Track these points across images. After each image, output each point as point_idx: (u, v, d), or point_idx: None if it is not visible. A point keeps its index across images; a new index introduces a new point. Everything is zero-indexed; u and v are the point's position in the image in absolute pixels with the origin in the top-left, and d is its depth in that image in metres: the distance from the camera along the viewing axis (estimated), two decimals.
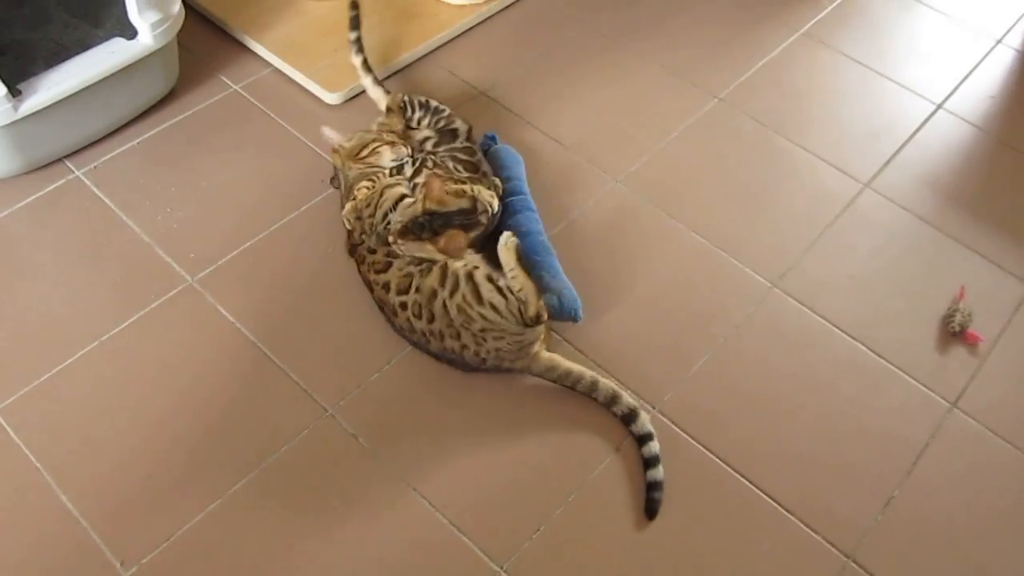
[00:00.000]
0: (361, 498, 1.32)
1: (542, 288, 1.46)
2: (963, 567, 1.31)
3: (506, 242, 1.45)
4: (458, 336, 1.40)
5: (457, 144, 1.65)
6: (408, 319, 1.43)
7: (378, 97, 1.80)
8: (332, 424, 1.40)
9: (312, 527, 1.29)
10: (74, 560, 1.24)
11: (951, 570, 1.31)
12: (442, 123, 1.69)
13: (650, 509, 1.33)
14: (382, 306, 1.48)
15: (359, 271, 1.53)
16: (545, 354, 1.43)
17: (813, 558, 1.31)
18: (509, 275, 1.43)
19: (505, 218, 1.59)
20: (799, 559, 1.31)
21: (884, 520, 1.35)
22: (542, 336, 1.44)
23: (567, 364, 1.43)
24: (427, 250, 1.44)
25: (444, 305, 1.40)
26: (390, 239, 1.46)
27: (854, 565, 1.30)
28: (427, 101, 1.71)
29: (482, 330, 1.39)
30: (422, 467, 1.36)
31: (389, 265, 1.46)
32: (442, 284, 1.40)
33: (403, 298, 1.43)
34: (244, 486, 1.32)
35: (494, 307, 1.39)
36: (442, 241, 1.43)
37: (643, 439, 1.38)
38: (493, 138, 1.75)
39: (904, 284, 1.65)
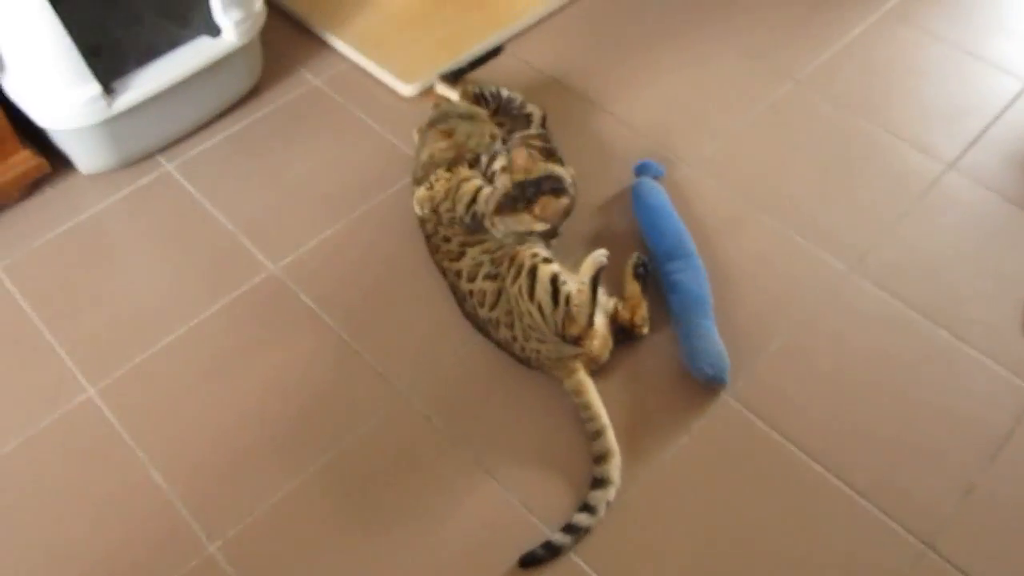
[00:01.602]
0: (435, 478, 1.36)
1: (694, 351, 1.43)
2: None
3: (596, 258, 1.41)
4: (511, 326, 1.42)
5: (532, 131, 1.67)
6: (474, 306, 1.47)
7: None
8: (406, 406, 1.43)
9: (387, 505, 1.33)
10: (164, 533, 1.31)
11: None
12: (514, 111, 1.71)
13: (525, 559, 1.27)
14: (455, 291, 1.52)
15: (432, 259, 1.57)
16: (581, 376, 1.41)
17: (889, 544, 1.29)
18: (577, 287, 1.40)
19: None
20: (875, 545, 1.29)
21: (965, 507, 1.32)
22: (584, 357, 1.41)
23: (591, 397, 1.39)
24: (525, 221, 1.45)
25: (507, 293, 1.42)
26: (487, 223, 1.47)
27: (932, 553, 1.27)
28: (498, 90, 1.73)
29: (528, 327, 1.40)
30: (495, 449, 1.39)
31: (463, 254, 1.49)
32: (508, 270, 1.43)
33: (471, 286, 1.47)
34: (323, 465, 1.37)
35: (540, 308, 1.38)
36: (537, 208, 1.45)
37: (585, 507, 1.30)
38: (647, 168, 1.70)
39: (989, 267, 1.60)
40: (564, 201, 1.47)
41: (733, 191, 1.71)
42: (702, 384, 1.43)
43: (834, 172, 1.75)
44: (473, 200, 1.49)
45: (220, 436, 1.41)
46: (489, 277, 1.45)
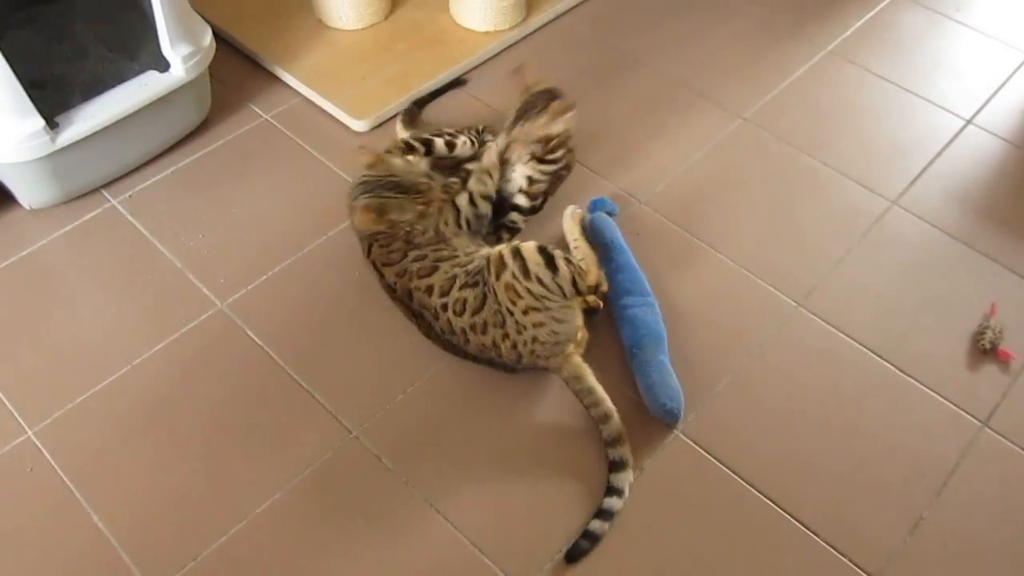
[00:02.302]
0: (384, 518, 1.34)
1: (652, 386, 1.44)
2: None
3: (572, 213, 1.64)
4: (502, 324, 1.41)
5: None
6: (449, 320, 1.44)
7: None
8: (356, 445, 1.41)
9: (336, 547, 1.31)
10: None
11: None
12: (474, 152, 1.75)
13: (570, 554, 1.30)
14: (423, 312, 1.48)
15: (390, 289, 1.52)
16: (577, 360, 1.44)
17: None
18: (572, 244, 1.60)
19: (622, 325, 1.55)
20: None
21: (913, 541, 1.33)
22: (579, 337, 1.45)
23: (593, 381, 1.42)
24: (542, 125, 1.61)
25: (493, 291, 1.42)
26: (502, 138, 1.63)
27: None
28: (430, 138, 1.72)
29: (526, 311, 1.40)
30: (444, 488, 1.37)
31: (435, 269, 1.47)
32: (490, 271, 1.43)
33: (445, 299, 1.44)
34: (270, 506, 1.34)
35: (540, 280, 1.42)
36: (552, 107, 1.61)
37: (611, 490, 1.34)
38: (600, 204, 1.72)
39: (933, 301, 1.63)
40: (568, 102, 1.63)
41: (683, 227, 1.72)
42: (657, 419, 1.44)
43: (781, 209, 1.77)
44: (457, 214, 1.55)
45: (163, 478, 1.37)
46: (468, 285, 1.44)
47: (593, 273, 1.52)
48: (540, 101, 1.63)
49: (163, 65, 1.71)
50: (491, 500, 1.36)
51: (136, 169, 1.80)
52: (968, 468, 1.41)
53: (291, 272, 1.64)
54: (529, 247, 1.45)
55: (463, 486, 1.37)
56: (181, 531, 1.32)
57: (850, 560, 1.31)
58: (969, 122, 1.96)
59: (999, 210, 1.79)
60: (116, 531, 1.31)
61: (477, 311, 1.43)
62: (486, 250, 1.50)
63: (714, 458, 1.41)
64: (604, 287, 1.53)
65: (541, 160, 1.64)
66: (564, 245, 1.63)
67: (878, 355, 1.55)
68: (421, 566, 1.29)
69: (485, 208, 1.60)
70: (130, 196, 1.76)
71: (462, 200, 1.56)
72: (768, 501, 1.36)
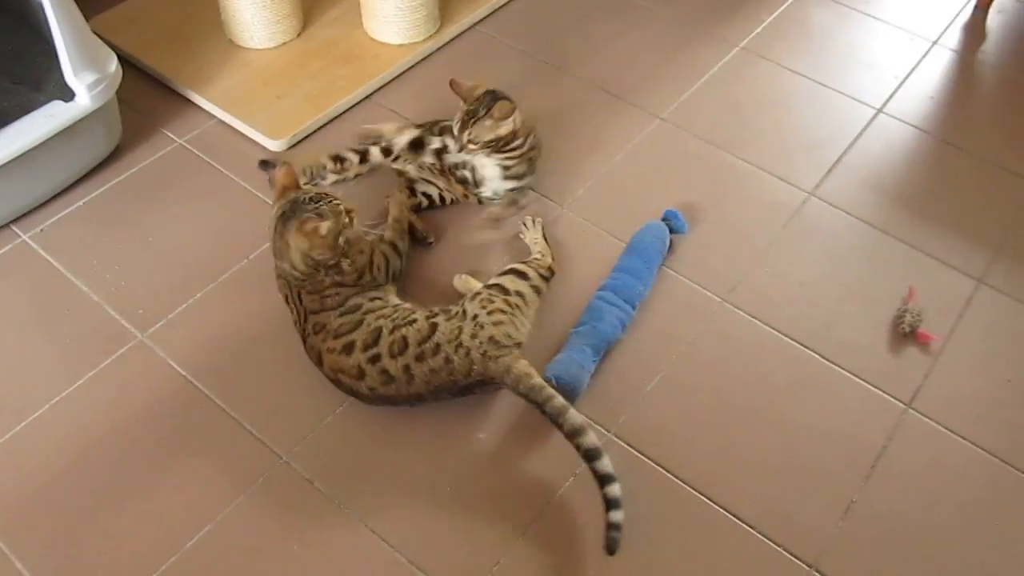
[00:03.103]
0: (320, 542, 1.32)
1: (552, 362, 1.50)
2: (926, 567, 1.32)
3: (531, 224, 1.70)
4: (456, 335, 1.40)
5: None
6: (382, 369, 1.40)
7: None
8: (287, 470, 1.39)
9: (274, 574, 1.28)
10: None
11: (914, 571, 1.31)
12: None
13: (609, 546, 1.30)
14: (339, 375, 1.43)
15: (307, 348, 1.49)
16: (524, 362, 1.42)
17: (777, 570, 1.31)
18: (534, 245, 1.67)
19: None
20: (762, 573, 1.30)
21: (845, 526, 1.35)
22: (523, 341, 1.47)
23: (542, 381, 1.40)
24: (490, 127, 1.64)
25: (463, 311, 1.45)
26: (458, 148, 1.68)
27: (818, 574, 1.30)
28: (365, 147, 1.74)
29: (492, 312, 1.44)
30: (379, 507, 1.35)
31: (357, 325, 1.43)
32: (466, 301, 1.48)
33: (373, 351, 1.40)
34: (202, 538, 1.31)
35: (520, 294, 1.51)
36: (496, 112, 1.64)
37: (605, 480, 1.33)
38: (671, 216, 1.72)
39: (854, 288, 1.67)
40: (511, 102, 1.66)
41: (605, 229, 1.73)
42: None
43: (702, 205, 1.79)
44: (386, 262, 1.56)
45: (87, 519, 1.33)
46: (400, 327, 1.42)
47: (548, 256, 1.63)
48: (482, 106, 1.65)
49: (68, 94, 1.67)
50: (427, 517, 1.35)
51: (47, 202, 1.75)
52: (895, 450, 1.44)
53: (212, 299, 1.61)
54: (497, 277, 1.54)
55: (398, 505, 1.36)
56: (110, 571, 1.28)
57: (786, 550, 1.32)
58: (880, 111, 2.01)
59: (912, 196, 1.83)
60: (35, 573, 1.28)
61: (424, 340, 1.40)
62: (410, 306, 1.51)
63: (647, 458, 1.41)
64: (554, 271, 1.62)
65: (501, 151, 1.68)
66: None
67: (803, 345, 1.57)
68: None
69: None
70: (41, 230, 1.71)
71: (386, 249, 1.59)
72: (703, 498, 1.37)
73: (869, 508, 1.37)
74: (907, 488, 1.40)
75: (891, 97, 2.04)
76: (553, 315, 1.58)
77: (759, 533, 1.34)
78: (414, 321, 1.43)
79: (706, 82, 2.07)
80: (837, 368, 1.54)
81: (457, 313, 1.45)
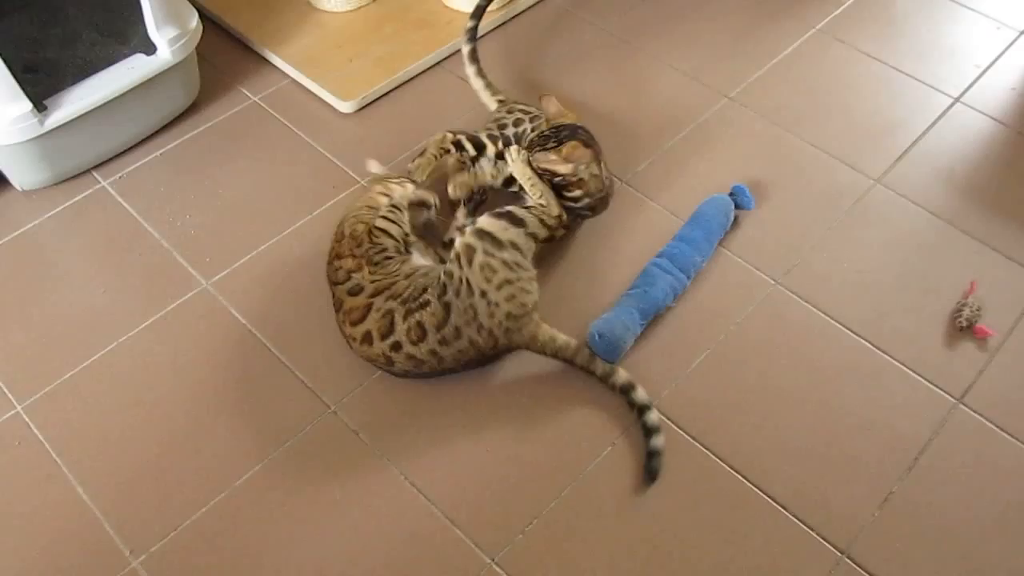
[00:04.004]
0: (360, 491, 1.37)
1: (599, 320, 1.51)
2: (959, 564, 1.30)
3: (515, 156, 1.58)
4: (474, 316, 1.41)
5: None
6: (408, 355, 1.42)
7: (487, 100, 1.86)
8: (335, 420, 1.44)
9: (313, 518, 1.34)
10: (87, 548, 1.31)
11: (948, 567, 1.30)
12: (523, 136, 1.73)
13: (650, 473, 1.38)
14: (371, 362, 1.48)
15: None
16: (546, 326, 1.47)
17: (806, 553, 1.31)
18: (528, 184, 1.56)
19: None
20: (793, 555, 1.31)
21: (882, 516, 1.35)
22: (537, 301, 1.48)
23: (565, 338, 1.47)
24: (551, 160, 1.56)
25: (467, 282, 1.41)
26: (516, 155, 1.58)
27: (848, 560, 1.30)
28: (478, 136, 1.70)
29: (500, 285, 1.42)
30: (419, 462, 1.40)
31: (367, 311, 1.44)
32: (460, 265, 1.43)
33: (392, 339, 1.42)
34: (249, 479, 1.37)
35: (513, 244, 1.46)
36: (565, 149, 1.56)
37: (642, 409, 1.42)
38: (739, 191, 1.71)
39: (912, 279, 1.64)
40: (589, 151, 1.57)
41: (666, 206, 1.73)
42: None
43: (763, 186, 1.77)
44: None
45: (148, 451, 1.41)
46: (413, 311, 1.41)
47: (554, 205, 1.55)
48: (556, 136, 1.59)
49: (150, 48, 1.74)
50: (465, 474, 1.38)
51: (126, 151, 1.83)
52: (941, 444, 1.42)
53: (275, 252, 1.66)
54: (487, 220, 1.48)
55: (438, 460, 1.40)
56: (163, 503, 1.35)
57: (818, 534, 1.32)
58: (957, 100, 1.96)
59: (983, 189, 1.79)
60: (100, 503, 1.35)
61: (442, 324, 1.41)
62: (425, 267, 1.49)
63: (687, 434, 1.42)
64: (566, 218, 1.57)
65: (559, 195, 1.60)
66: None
67: (855, 332, 1.55)
68: (396, 537, 1.32)
69: (387, 242, 1.53)
70: (120, 177, 1.79)
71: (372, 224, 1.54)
72: (740, 476, 1.38)
73: (908, 500, 1.36)
74: (949, 483, 1.38)
75: (970, 87, 1.98)
76: (605, 286, 1.59)
77: (792, 515, 1.34)
78: (426, 304, 1.41)
79: (778, 62, 2.04)
80: (888, 358, 1.52)
81: (462, 282, 1.42)
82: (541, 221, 1.52)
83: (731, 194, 1.70)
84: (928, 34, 2.13)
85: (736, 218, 1.70)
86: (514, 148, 1.59)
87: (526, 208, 1.53)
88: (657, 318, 1.56)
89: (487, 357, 1.46)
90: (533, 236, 1.51)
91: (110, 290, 1.62)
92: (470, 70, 1.88)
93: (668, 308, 1.57)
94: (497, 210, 1.51)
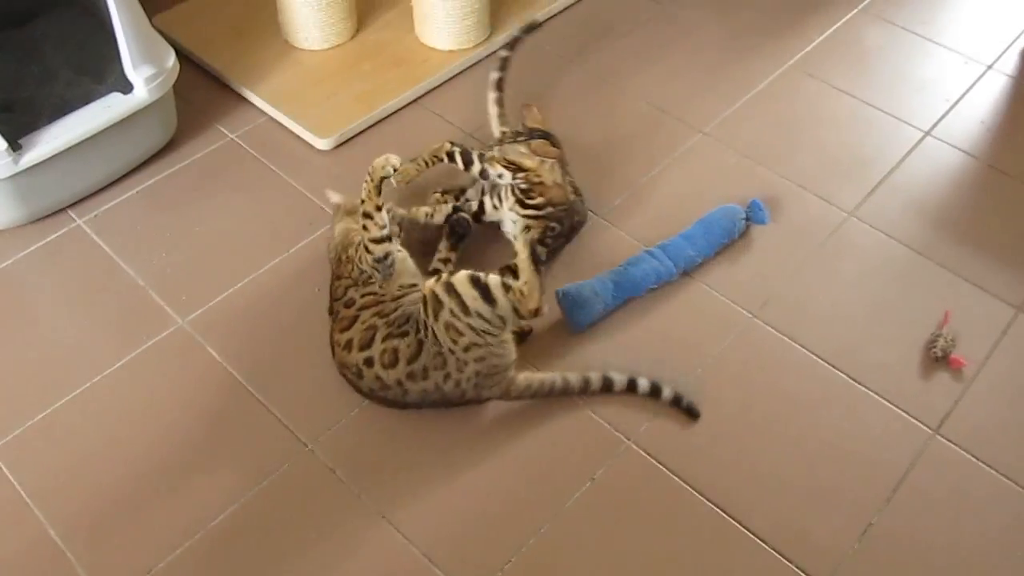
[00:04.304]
0: (337, 530, 1.35)
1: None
2: None
3: (521, 230, 1.64)
4: (443, 364, 1.40)
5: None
6: (376, 375, 1.43)
7: (494, 128, 1.89)
8: (311, 458, 1.43)
9: (289, 559, 1.32)
10: None
11: None
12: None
13: (691, 412, 1.49)
14: (344, 371, 1.48)
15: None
16: (521, 377, 1.46)
17: None
18: (522, 262, 1.45)
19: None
20: None
21: (861, 548, 1.34)
22: (514, 360, 1.45)
23: (539, 378, 1.46)
24: (520, 152, 1.64)
25: (433, 333, 1.40)
26: (521, 234, 1.62)
27: None
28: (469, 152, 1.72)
29: (467, 348, 1.39)
30: (397, 500, 1.38)
31: (354, 321, 1.46)
32: (427, 312, 1.41)
33: (367, 353, 1.43)
34: (225, 519, 1.36)
35: (480, 315, 1.39)
36: (534, 144, 1.64)
37: (631, 386, 1.50)
38: (754, 206, 1.75)
39: (887, 311, 1.65)
40: (557, 150, 1.65)
41: (640, 240, 1.74)
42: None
43: None
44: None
45: (120, 492, 1.39)
46: (394, 336, 1.42)
47: (534, 298, 1.42)
48: (529, 135, 1.67)
49: (127, 87, 1.74)
50: (443, 511, 1.37)
51: (102, 189, 1.83)
52: (918, 475, 1.43)
53: (251, 289, 1.66)
54: (461, 280, 1.40)
55: (415, 497, 1.39)
56: (136, 545, 1.33)
57: (798, 568, 1.32)
58: (928, 134, 1.99)
59: (955, 220, 1.81)
60: (72, 546, 1.33)
61: (413, 359, 1.41)
62: (416, 293, 1.48)
63: (666, 468, 1.42)
64: (543, 312, 1.46)
65: (522, 204, 1.65)
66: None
67: (832, 364, 1.56)
68: None
69: (381, 252, 1.48)
70: (95, 216, 1.79)
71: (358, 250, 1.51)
72: (718, 510, 1.38)
73: (887, 531, 1.36)
74: (928, 514, 1.38)
75: (940, 120, 2.02)
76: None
77: (772, 549, 1.34)
78: (405, 334, 1.42)
79: (752, 98, 2.07)
80: (864, 389, 1.53)
81: (427, 328, 1.40)
82: (515, 310, 1.41)
83: (749, 208, 1.74)
84: (898, 69, 2.16)
85: (748, 229, 1.75)
86: (521, 231, 1.64)
87: (504, 288, 1.41)
88: (635, 350, 1.56)
89: (454, 403, 1.45)
90: (501, 320, 1.41)
91: (85, 329, 1.61)
92: (491, 95, 1.90)
93: (648, 290, 1.65)
94: (475, 274, 1.41)
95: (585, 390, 1.48)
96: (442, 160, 1.71)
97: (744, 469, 1.43)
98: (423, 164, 1.70)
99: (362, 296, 1.48)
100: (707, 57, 2.18)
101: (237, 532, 1.35)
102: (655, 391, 1.49)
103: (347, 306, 1.49)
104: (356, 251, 1.51)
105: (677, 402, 1.48)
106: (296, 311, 1.62)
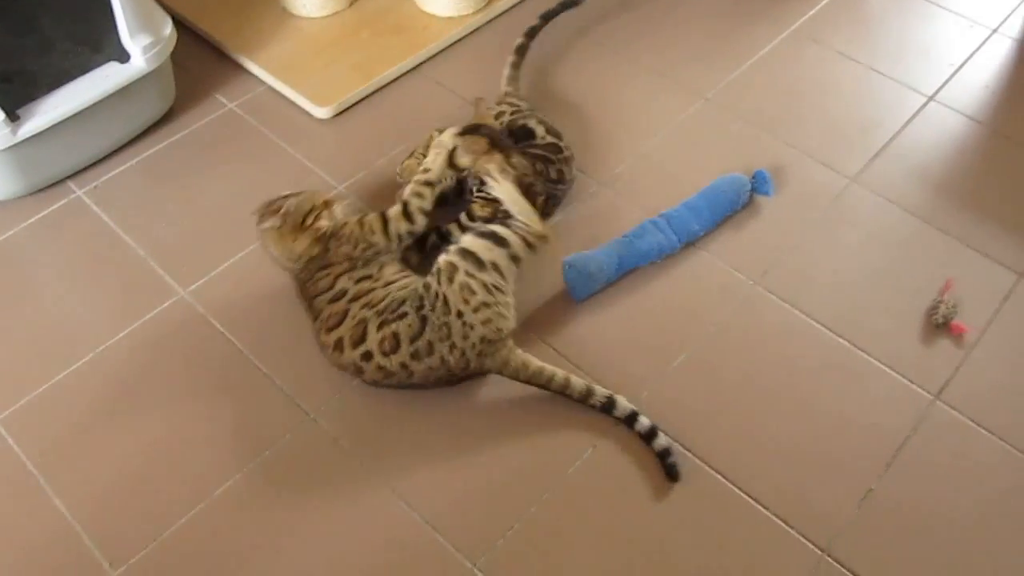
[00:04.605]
0: (341, 498, 1.36)
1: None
2: (939, 560, 1.31)
3: (500, 178, 1.55)
4: (448, 335, 1.40)
5: (536, 142, 1.72)
6: (378, 366, 1.42)
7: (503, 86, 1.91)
8: (315, 428, 1.44)
9: (293, 526, 1.33)
10: (65, 561, 1.30)
11: (929, 562, 1.31)
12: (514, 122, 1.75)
13: (671, 473, 1.38)
14: (341, 369, 1.47)
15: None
16: (519, 352, 1.46)
17: (788, 553, 1.31)
18: (512, 204, 1.52)
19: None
20: (774, 555, 1.31)
21: (862, 513, 1.35)
22: (513, 327, 1.46)
23: (539, 364, 1.45)
24: (482, 145, 1.59)
25: (444, 299, 1.41)
26: (501, 176, 1.56)
27: (829, 559, 1.30)
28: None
29: (477, 308, 1.40)
30: (400, 469, 1.39)
31: (344, 316, 1.44)
32: (440, 280, 1.42)
33: (363, 348, 1.42)
34: (229, 487, 1.37)
35: (495, 265, 1.44)
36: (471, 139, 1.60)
37: (630, 420, 1.42)
38: (759, 176, 1.74)
39: (890, 277, 1.65)
40: (493, 150, 1.59)
41: (642, 208, 1.73)
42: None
43: None
44: (384, 221, 1.51)
45: (125, 462, 1.40)
46: (389, 322, 1.41)
47: (537, 223, 1.52)
48: (469, 131, 1.63)
49: (124, 56, 1.73)
50: (446, 480, 1.38)
51: (101, 160, 1.82)
52: (919, 441, 1.43)
53: (253, 260, 1.65)
54: (469, 240, 1.47)
55: (419, 467, 1.40)
56: (143, 514, 1.34)
57: (799, 533, 1.33)
58: (931, 99, 1.97)
59: (958, 186, 1.80)
60: (78, 515, 1.34)
61: (416, 337, 1.40)
62: (409, 278, 1.49)
63: (667, 434, 1.42)
64: (550, 237, 1.54)
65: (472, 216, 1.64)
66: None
67: (834, 331, 1.56)
68: (376, 544, 1.31)
69: (421, 223, 1.55)
70: (95, 187, 1.78)
71: (393, 212, 1.53)
72: (720, 477, 1.38)
73: (887, 497, 1.37)
74: (928, 479, 1.39)
75: (944, 85, 2.00)
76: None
77: (774, 515, 1.34)
78: (404, 315, 1.41)
79: (754, 63, 2.05)
80: (866, 356, 1.53)
81: (438, 297, 1.42)
82: (524, 241, 1.49)
83: (755, 178, 1.73)
84: (902, 33, 2.14)
85: (753, 199, 1.74)
86: (497, 170, 1.56)
87: (509, 228, 1.50)
88: (638, 319, 1.57)
89: (457, 378, 1.45)
90: (515, 258, 1.48)
91: (86, 301, 1.61)
92: (510, 59, 1.92)
93: (651, 263, 1.64)
94: (481, 228, 1.50)
95: (584, 400, 1.44)
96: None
97: (745, 436, 1.43)
98: (421, 158, 1.68)
99: (356, 283, 1.46)
100: (708, 24, 2.16)
101: (242, 502, 1.36)
102: (649, 435, 1.41)
103: (335, 300, 1.46)
104: (360, 227, 1.50)
105: (663, 456, 1.39)
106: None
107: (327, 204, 1.52)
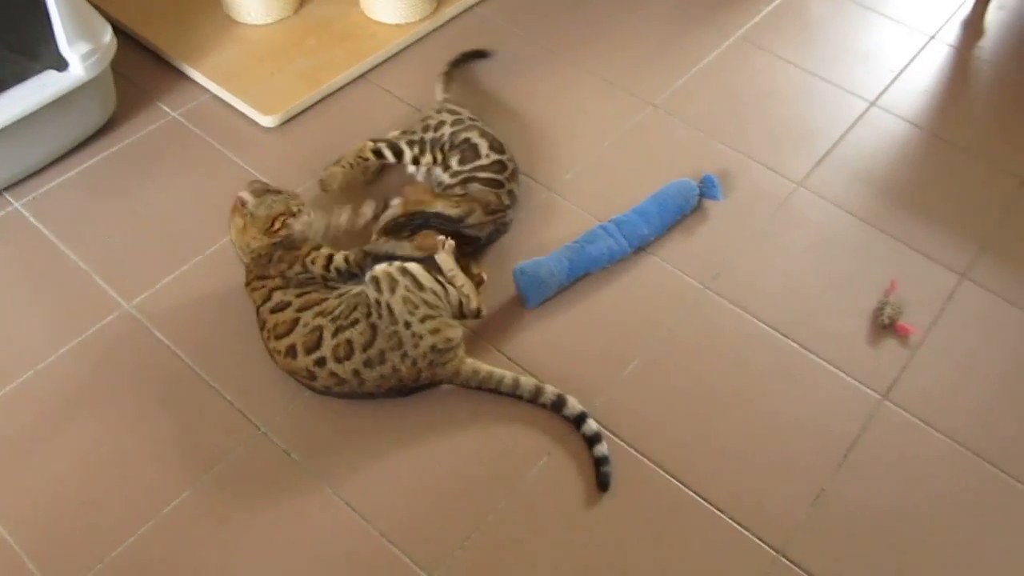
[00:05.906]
0: (294, 512, 1.34)
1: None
2: (892, 558, 1.33)
3: (444, 252, 1.52)
4: (399, 344, 1.39)
5: (483, 162, 1.69)
6: (331, 372, 1.40)
7: (438, 94, 1.90)
8: (265, 441, 1.41)
9: (246, 543, 1.30)
10: None
11: (881, 560, 1.33)
12: (451, 144, 1.72)
13: (602, 482, 1.38)
14: (292, 375, 1.45)
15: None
16: (469, 360, 1.46)
17: (743, 555, 1.32)
18: (449, 275, 1.51)
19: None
20: (729, 557, 1.32)
21: (814, 513, 1.37)
22: (462, 335, 1.47)
23: (488, 368, 1.45)
24: (405, 248, 1.53)
25: (389, 308, 1.40)
26: (373, 237, 1.59)
27: (784, 560, 1.31)
28: (397, 143, 1.73)
29: (423, 319, 1.40)
30: (354, 480, 1.37)
31: (294, 325, 1.42)
32: (379, 290, 1.41)
33: (316, 354, 1.40)
34: (179, 504, 1.34)
35: (435, 292, 1.45)
36: (418, 239, 1.54)
37: (579, 421, 1.43)
38: (708, 181, 1.76)
39: (836, 280, 1.67)
40: (441, 239, 1.52)
41: (591, 214, 1.74)
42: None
43: None
44: (329, 260, 1.50)
45: (69, 483, 1.36)
46: (344, 328, 1.40)
47: (475, 299, 1.51)
48: (410, 225, 1.59)
49: (62, 64, 1.68)
50: (400, 491, 1.37)
51: (40, 171, 1.77)
52: (868, 440, 1.45)
53: (198, 271, 1.63)
54: (415, 266, 1.47)
55: (371, 477, 1.38)
56: (88, 535, 1.31)
57: (754, 535, 1.34)
58: (873, 104, 2.01)
59: (900, 189, 1.84)
60: (21, 539, 1.30)
61: (368, 345, 1.39)
62: (357, 288, 1.47)
63: (622, 440, 1.43)
64: (483, 313, 1.53)
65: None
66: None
67: (783, 334, 1.58)
68: (332, 558, 1.29)
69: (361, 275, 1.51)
70: (33, 198, 1.73)
71: (339, 259, 1.51)
72: (675, 481, 1.39)
73: (839, 497, 1.39)
74: (878, 479, 1.41)
75: (885, 91, 2.04)
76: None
77: (728, 517, 1.35)
78: (356, 322, 1.40)
79: (700, 70, 2.07)
80: (815, 358, 1.55)
81: (381, 305, 1.41)
82: (460, 304, 1.49)
83: (703, 183, 1.75)
84: (843, 40, 2.18)
85: (701, 203, 1.76)
86: (444, 244, 1.52)
87: (450, 281, 1.50)
88: (591, 326, 1.57)
89: (408, 388, 1.44)
90: (450, 306, 1.47)
91: (25, 316, 1.56)
92: (439, 84, 1.93)
93: (602, 268, 1.65)
94: (432, 271, 1.49)
95: (535, 400, 1.45)
96: (368, 159, 1.71)
97: (699, 440, 1.44)
98: (348, 167, 1.69)
99: (298, 297, 1.45)
100: (655, 30, 2.18)
101: (192, 519, 1.32)
102: (593, 440, 1.41)
103: (278, 310, 1.44)
104: (306, 256, 1.49)
105: (600, 463, 1.39)
106: (244, 294, 1.58)
107: (294, 215, 1.51)
